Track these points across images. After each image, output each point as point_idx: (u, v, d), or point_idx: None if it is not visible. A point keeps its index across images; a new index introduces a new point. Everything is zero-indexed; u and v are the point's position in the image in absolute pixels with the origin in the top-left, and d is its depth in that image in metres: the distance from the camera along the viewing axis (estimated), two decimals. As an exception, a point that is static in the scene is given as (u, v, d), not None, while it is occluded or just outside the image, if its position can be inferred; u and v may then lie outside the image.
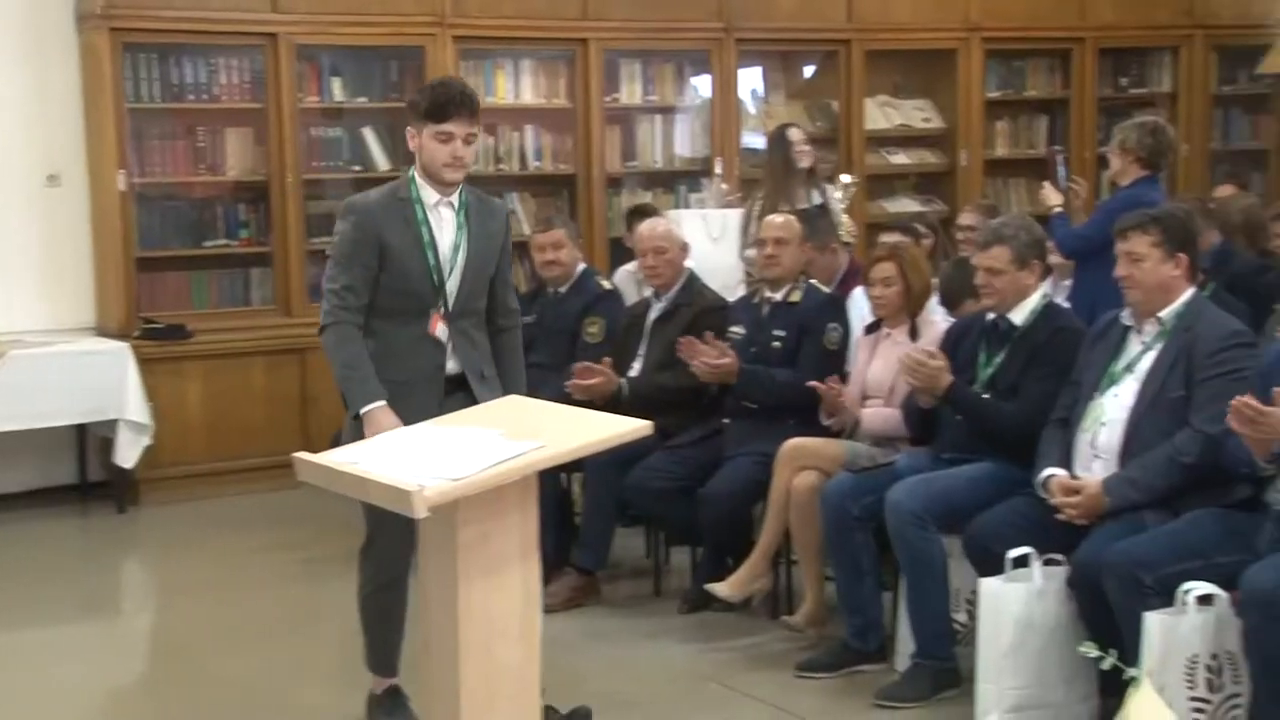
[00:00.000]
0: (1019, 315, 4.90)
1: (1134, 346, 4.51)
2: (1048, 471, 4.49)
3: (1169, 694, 3.83)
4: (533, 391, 4.46)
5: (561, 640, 4.95)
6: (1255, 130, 9.79)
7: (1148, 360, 4.44)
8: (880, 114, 9.17)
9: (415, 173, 4.31)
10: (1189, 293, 4.48)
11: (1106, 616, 4.16)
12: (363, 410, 4.14)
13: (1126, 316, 4.56)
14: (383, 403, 4.14)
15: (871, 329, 5.64)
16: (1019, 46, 9.32)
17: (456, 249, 4.31)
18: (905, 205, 9.13)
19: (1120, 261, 4.49)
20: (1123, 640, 3.94)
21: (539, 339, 6.26)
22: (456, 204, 4.33)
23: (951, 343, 5.14)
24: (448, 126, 4.17)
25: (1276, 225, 5.94)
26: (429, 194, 4.29)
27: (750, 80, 9.11)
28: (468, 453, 3.35)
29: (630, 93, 8.72)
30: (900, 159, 9.32)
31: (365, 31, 7.78)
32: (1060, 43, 9.33)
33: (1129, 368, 4.48)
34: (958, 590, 4.84)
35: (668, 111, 8.90)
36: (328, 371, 4.49)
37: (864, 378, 5.58)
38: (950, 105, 9.23)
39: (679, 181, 8.86)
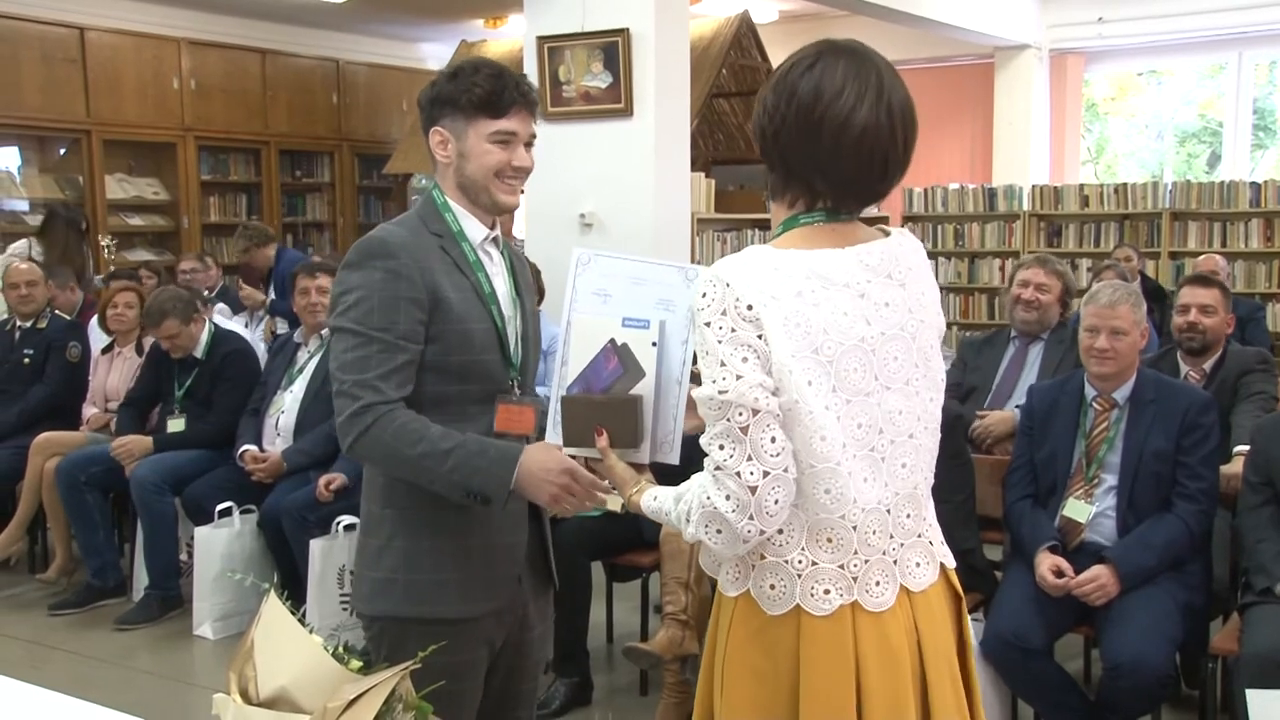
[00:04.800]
0: (199, 350, 4.64)
1: (301, 356, 4.43)
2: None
3: (325, 594, 3.79)
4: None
5: None
6: (385, 211, 9.97)
7: (312, 365, 4.37)
8: (119, 187, 8.34)
9: (446, 196, 2.00)
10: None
11: (285, 546, 4.04)
12: (514, 479, 1.82)
13: (298, 335, 4.49)
14: (521, 448, 1.85)
15: (107, 349, 5.12)
16: (223, 144, 8.83)
17: (514, 304, 2.04)
18: (142, 255, 8.40)
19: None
20: (295, 561, 3.89)
21: None
22: (500, 242, 2.06)
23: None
24: (508, 123, 1.94)
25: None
26: (473, 226, 1.99)
27: (8, 157, 7.91)
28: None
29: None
30: (136, 221, 8.54)
31: None
32: (253, 143, 8.99)
33: (300, 370, 4.39)
34: (179, 537, 4.49)
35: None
36: None
37: (104, 386, 5.05)
38: (174, 183, 8.56)
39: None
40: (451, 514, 1.92)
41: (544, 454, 1.83)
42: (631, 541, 3.67)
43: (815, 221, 1.58)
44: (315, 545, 3.79)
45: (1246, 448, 3.17)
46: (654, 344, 1.70)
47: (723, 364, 1.48)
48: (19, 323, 5.14)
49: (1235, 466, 3.21)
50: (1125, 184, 8.82)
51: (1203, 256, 6.68)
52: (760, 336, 1.48)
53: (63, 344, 5.07)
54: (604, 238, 5.53)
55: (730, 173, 7.96)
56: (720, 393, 1.48)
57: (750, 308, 1.48)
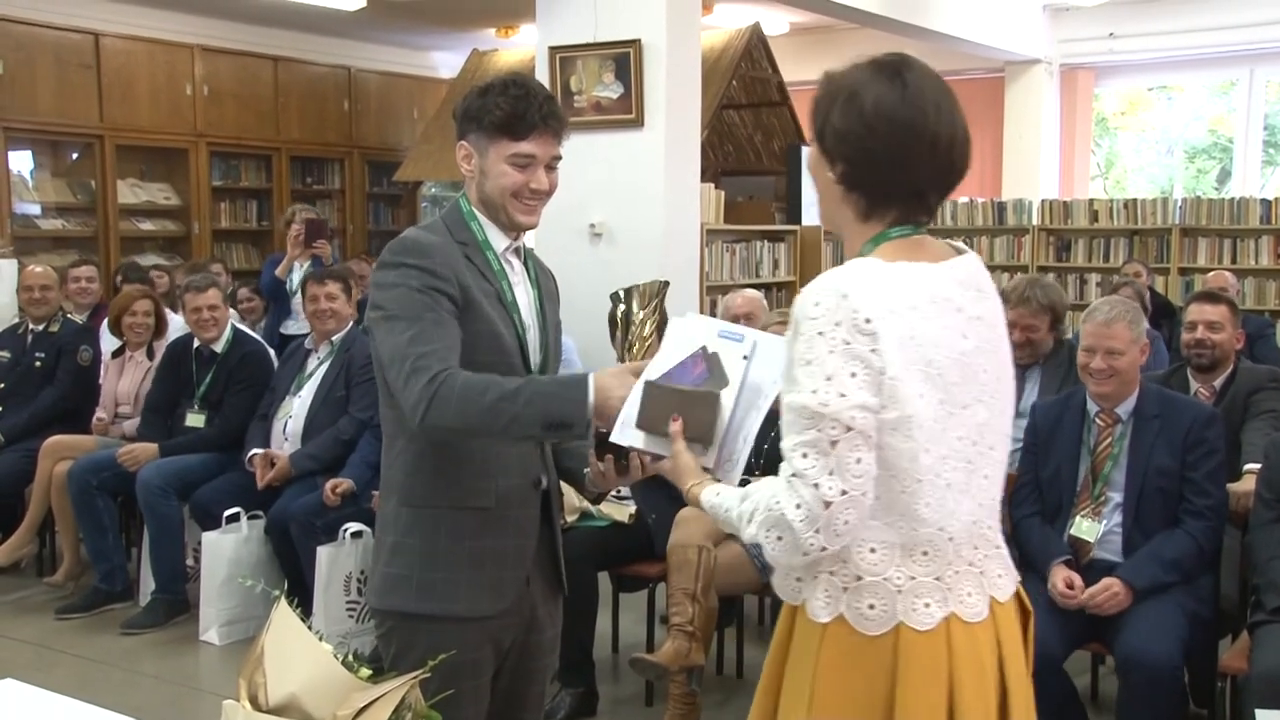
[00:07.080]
0: (219, 344, 4.65)
1: (311, 363, 4.42)
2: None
3: (332, 600, 3.79)
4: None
5: None
6: (394, 218, 9.99)
7: (321, 370, 4.37)
8: (131, 192, 8.36)
9: (471, 205, 2.04)
10: (350, 324, 4.42)
11: (292, 551, 4.05)
12: (590, 398, 1.78)
13: (309, 341, 4.49)
14: (590, 375, 1.83)
15: (118, 353, 5.13)
16: (234, 150, 8.86)
17: (535, 314, 2.07)
18: (152, 260, 8.40)
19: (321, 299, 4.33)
20: (301, 567, 3.88)
21: None
22: (523, 252, 2.10)
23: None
24: (527, 146, 1.96)
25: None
26: (497, 236, 2.03)
27: (21, 161, 7.92)
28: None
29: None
30: (147, 226, 8.57)
31: None
32: (264, 150, 9.02)
33: (310, 375, 4.39)
34: (186, 542, 4.49)
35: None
36: None
37: (115, 390, 5.07)
38: (185, 188, 8.59)
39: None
40: (466, 515, 1.94)
41: (615, 371, 1.83)
42: (638, 552, 3.66)
43: (907, 234, 1.59)
44: (323, 552, 3.79)
45: (1257, 465, 3.15)
46: (745, 357, 1.73)
47: (829, 378, 1.46)
48: (31, 326, 5.15)
49: (1245, 485, 3.20)
50: (1135, 199, 8.81)
51: (1212, 273, 6.66)
52: (874, 350, 1.48)
53: (74, 347, 5.07)
54: (613, 248, 5.54)
55: (739, 184, 7.97)
56: (821, 404, 1.46)
57: (869, 321, 1.48)
